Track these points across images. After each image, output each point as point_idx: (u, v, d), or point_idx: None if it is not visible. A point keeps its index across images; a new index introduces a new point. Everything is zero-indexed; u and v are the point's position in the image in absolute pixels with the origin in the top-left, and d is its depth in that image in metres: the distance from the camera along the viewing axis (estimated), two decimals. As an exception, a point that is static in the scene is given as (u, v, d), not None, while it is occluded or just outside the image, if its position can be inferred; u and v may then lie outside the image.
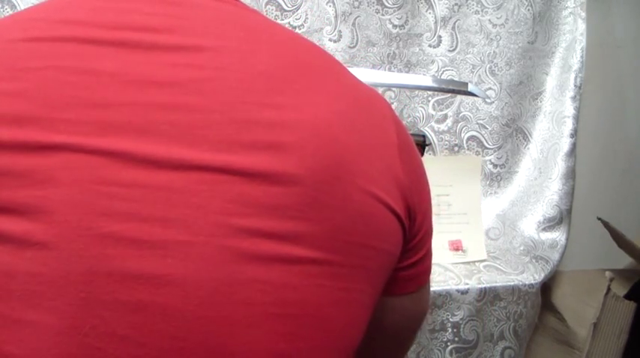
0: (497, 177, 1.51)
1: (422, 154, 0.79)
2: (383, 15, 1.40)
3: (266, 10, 1.33)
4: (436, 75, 1.45)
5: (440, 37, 1.45)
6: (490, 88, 1.46)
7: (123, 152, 0.42)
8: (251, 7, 0.53)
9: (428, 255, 0.59)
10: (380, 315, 0.53)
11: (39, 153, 0.42)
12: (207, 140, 0.43)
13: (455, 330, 1.30)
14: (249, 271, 0.42)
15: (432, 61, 1.45)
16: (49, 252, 0.41)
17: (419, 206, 0.53)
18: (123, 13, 0.47)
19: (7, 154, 0.42)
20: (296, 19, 1.35)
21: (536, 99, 1.49)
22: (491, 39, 1.45)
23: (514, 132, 1.50)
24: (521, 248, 1.44)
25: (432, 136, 1.48)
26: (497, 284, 1.31)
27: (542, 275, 1.36)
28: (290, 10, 1.35)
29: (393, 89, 1.42)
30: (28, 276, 0.41)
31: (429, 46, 1.45)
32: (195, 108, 0.44)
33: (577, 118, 1.43)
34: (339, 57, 1.35)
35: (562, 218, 1.43)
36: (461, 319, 1.30)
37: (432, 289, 1.29)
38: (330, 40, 1.36)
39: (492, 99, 1.47)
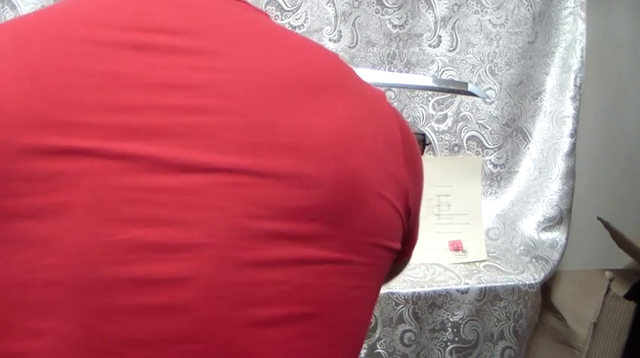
0: (497, 177, 1.51)
1: (422, 153, 0.80)
2: (383, 15, 1.40)
3: (266, 10, 1.33)
4: (436, 75, 1.45)
5: (440, 37, 1.45)
6: (490, 88, 1.46)
7: (146, 156, 0.42)
8: (260, 9, 0.53)
9: (417, 226, 0.60)
10: None
11: (60, 158, 0.41)
12: (230, 142, 0.43)
13: (455, 330, 1.30)
14: (269, 272, 0.43)
15: (432, 61, 1.45)
16: (69, 259, 0.40)
17: (417, 201, 0.55)
18: (140, 14, 0.47)
19: (27, 159, 0.41)
20: (296, 19, 1.35)
21: (536, 99, 1.49)
22: (491, 39, 1.45)
23: (514, 132, 1.50)
24: (522, 248, 1.44)
25: (432, 136, 1.48)
26: (497, 284, 1.31)
27: (542, 275, 1.36)
28: (290, 10, 1.35)
29: (393, 89, 1.42)
30: (46, 285, 0.40)
31: (429, 46, 1.45)
32: (217, 111, 0.44)
33: (577, 118, 1.43)
34: (339, 57, 1.35)
35: (562, 218, 1.43)
36: (461, 319, 1.30)
37: (432, 289, 1.29)
38: (330, 40, 1.36)
39: (492, 99, 1.47)
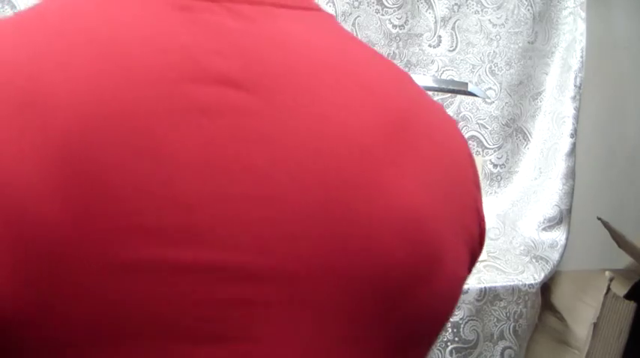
0: (497, 177, 1.51)
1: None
2: (383, 15, 1.40)
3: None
4: (436, 75, 1.45)
5: (440, 37, 1.45)
6: (490, 88, 1.47)
7: (213, 267, 0.35)
8: (331, 16, 0.44)
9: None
10: None
11: (109, 274, 0.32)
12: (302, 244, 0.36)
13: (455, 330, 1.30)
14: None
15: (432, 61, 1.45)
16: None
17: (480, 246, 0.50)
18: (183, 49, 0.35)
19: (66, 268, 0.32)
20: (296, 19, 1.36)
21: (536, 99, 1.49)
22: (491, 39, 1.45)
23: (514, 132, 1.50)
24: (521, 248, 1.44)
25: (432, 136, 1.48)
26: (497, 284, 1.31)
27: (542, 275, 1.36)
28: (290, 10, 1.35)
29: (393, 89, 1.42)
30: None
31: (429, 46, 1.45)
32: (290, 201, 0.36)
33: (577, 118, 1.43)
34: (339, 57, 1.35)
35: (562, 218, 1.43)
36: (461, 319, 1.30)
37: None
38: (330, 40, 1.36)
39: (492, 99, 1.47)
